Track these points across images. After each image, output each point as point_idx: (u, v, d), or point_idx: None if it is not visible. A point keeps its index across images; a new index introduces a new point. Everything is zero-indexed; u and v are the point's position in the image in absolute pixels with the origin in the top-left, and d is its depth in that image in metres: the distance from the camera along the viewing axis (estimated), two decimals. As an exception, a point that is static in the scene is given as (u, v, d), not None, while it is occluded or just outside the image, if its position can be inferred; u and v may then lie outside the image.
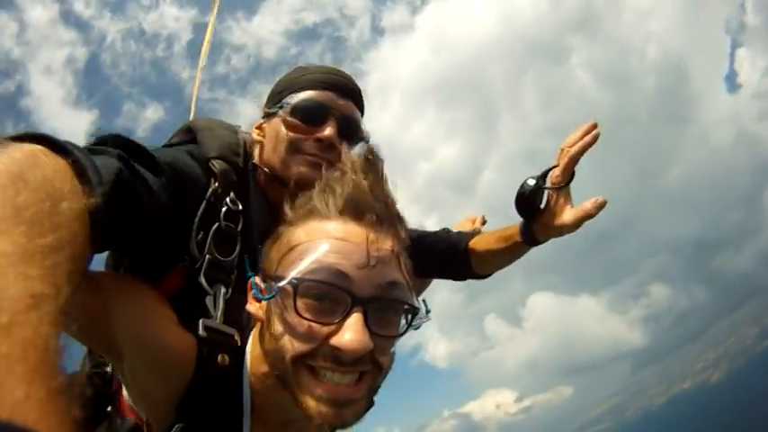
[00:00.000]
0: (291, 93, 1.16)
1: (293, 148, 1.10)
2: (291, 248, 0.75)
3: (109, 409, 1.10)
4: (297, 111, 1.13)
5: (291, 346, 0.72)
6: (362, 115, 1.23)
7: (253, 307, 0.81)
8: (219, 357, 0.83)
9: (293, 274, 0.71)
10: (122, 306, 0.82)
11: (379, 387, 0.79)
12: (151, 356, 0.80)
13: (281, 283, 0.71)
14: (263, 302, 0.79)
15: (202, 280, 0.91)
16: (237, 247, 0.98)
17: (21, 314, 0.38)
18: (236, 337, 0.87)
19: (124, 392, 1.03)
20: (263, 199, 1.13)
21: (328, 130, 1.10)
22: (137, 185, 0.73)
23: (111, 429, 1.05)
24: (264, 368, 0.80)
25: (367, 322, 0.70)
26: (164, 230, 0.83)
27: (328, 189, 0.78)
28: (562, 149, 1.15)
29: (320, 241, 0.73)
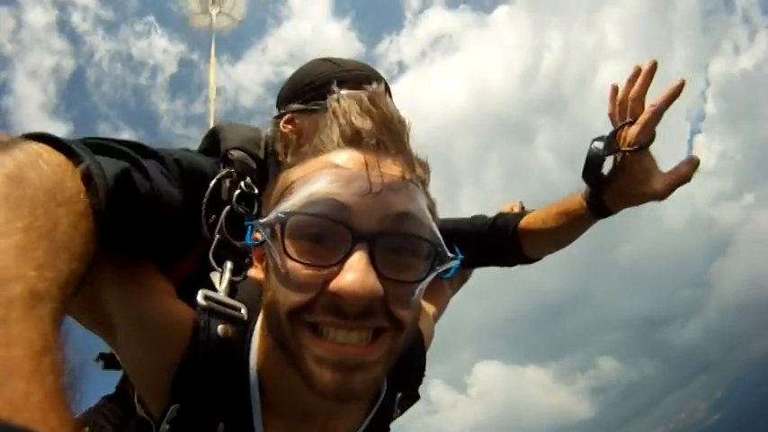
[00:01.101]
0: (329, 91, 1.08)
1: None
2: (286, 187, 0.66)
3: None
4: None
5: (285, 298, 0.61)
6: None
7: (255, 269, 0.73)
8: (220, 328, 0.72)
9: (285, 211, 0.60)
10: (113, 276, 0.75)
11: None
12: (143, 326, 0.72)
13: (267, 219, 0.62)
14: (265, 261, 0.69)
15: (210, 258, 0.88)
16: None
17: (21, 313, 0.37)
18: (242, 311, 0.76)
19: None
20: None
21: None
22: (141, 182, 0.70)
23: None
24: (267, 338, 0.70)
25: (374, 262, 0.57)
26: (173, 221, 0.80)
27: (327, 124, 0.68)
28: (620, 102, 1.00)
29: (315, 173, 0.62)
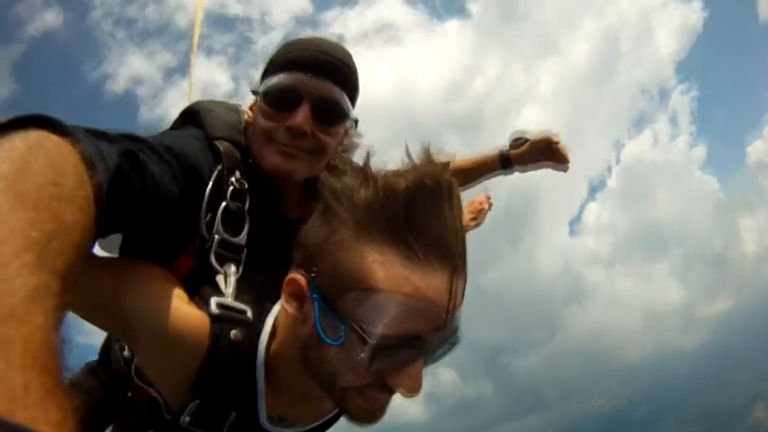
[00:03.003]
0: (269, 75, 1.07)
1: (266, 136, 1.03)
2: (365, 289, 0.67)
3: (129, 394, 1.10)
4: (267, 97, 1.05)
5: (348, 379, 0.72)
6: (353, 89, 1.09)
7: (290, 307, 0.77)
8: (232, 334, 0.82)
9: (371, 335, 0.66)
10: (133, 289, 0.81)
11: None
12: (164, 337, 0.80)
13: (363, 354, 0.67)
14: (305, 307, 0.75)
15: (212, 260, 0.91)
16: (246, 226, 0.97)
17: (21, 306, 0.36)
18: (248, 314, 0.85)
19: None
20: (265, 178, 1.07)
21: (298, 117, 1.01)
22: (140, 170, 0.72)
23: (138, 411, 1.05)
24: (293, 356, 0.80)
25: (425, 362, 0.71)
26: (170, 214, 0.83)
27: (414, 216, 0.67)
28: (552, 141, 1.51)
29: (402, 298, 0.66)
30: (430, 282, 0.66)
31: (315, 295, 0.72)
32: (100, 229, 0.55)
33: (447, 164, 0.74)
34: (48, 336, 0.37)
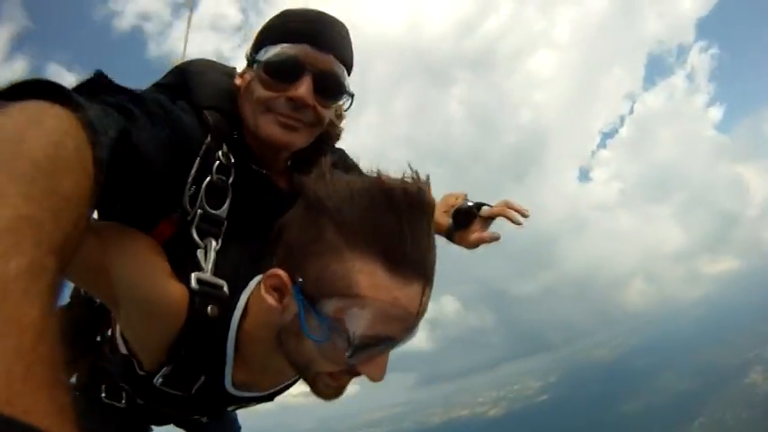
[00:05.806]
0: (269, 44, 1.06)
1: (264, 106, 1.04)
2: (351, 295, 0.74)
3: (98, 338, 1.13)
4: (269, 67, 1.04)
5: (323, 367, 0.82)
6: (350, 66, 1.11)
7: (270, 299, 0.82)
8: (209, 309, 0.87)
9: (354, 337, 0.75)
10: (119, 259, 0.84)
11: None
12: (145, 308, 0.85)
13: (346, 352, 0.77)
14: (286, 300, 0.81)
15: (194, 234, 0.92)
16: (228, 200, 0.98)
17: (18, 289, 0.35)
18: (224, 289, 0.89)
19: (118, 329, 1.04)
20: (252, 148, 1.08)
21: (301, 89, 1.02)
22: (138, 140, 0.72)
23: (102, 360, 1.10)
24: (264, 335, 0.88)
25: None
26: (160, 184, 0.84)
27: (398, 229, 0.75)
28: (503, 205, 1.39)
29: (383, 306, 0.74)
30: (407, 293, 0.76)
31: (300, 296, 0.78)
32: (99, 200, 0.54)
33: (430, 186, 0.80)
34: (46, 321, 0.35)
